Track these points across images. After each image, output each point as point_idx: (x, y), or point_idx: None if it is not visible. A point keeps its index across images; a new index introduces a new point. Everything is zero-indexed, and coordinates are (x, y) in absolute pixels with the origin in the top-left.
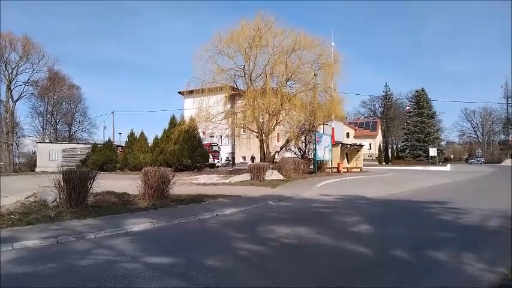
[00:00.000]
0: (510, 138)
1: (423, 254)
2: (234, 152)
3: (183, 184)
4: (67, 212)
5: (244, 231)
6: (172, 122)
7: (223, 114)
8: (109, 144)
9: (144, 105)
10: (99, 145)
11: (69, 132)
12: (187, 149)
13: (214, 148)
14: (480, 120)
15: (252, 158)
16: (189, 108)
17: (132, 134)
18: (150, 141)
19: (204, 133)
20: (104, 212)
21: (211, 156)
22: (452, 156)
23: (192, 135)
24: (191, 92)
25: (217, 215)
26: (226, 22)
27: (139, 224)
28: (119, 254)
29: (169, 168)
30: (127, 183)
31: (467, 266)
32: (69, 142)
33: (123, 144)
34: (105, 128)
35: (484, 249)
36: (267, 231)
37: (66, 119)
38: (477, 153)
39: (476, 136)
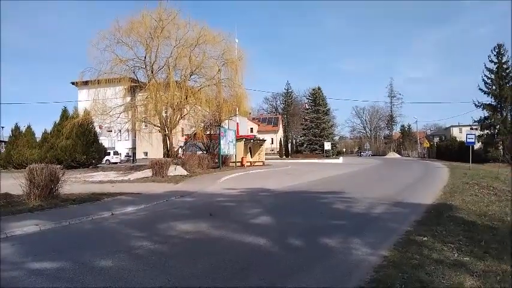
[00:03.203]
0: (393, 133)
1: (317, 241)
2: (135, 148)
3: (76, 182)
4: None
5: (143, 230)
6: (64, 115)
7: (123, 107)
8: None
9: (31, 96)
10: None
11: None
12: (82, 144)
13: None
14: (369, 117)
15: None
16: (84, 100)
17: (16, 127)
18: (39, 136)
19: (100, 127)
20: None
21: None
22: (344, 149)
23: (86, 130)
24: (86, 82)
25: (113, 214)
26: (127, 11)
27: (22, 228)
28: None
29: (60, 165)
30: (10, 183)
31: (354, 251)
32: None
33: (6, 140)
34: None
35: (369, 234)
36: (168, 228)
37: None
38: (366, 147)
39: (365, 131)
